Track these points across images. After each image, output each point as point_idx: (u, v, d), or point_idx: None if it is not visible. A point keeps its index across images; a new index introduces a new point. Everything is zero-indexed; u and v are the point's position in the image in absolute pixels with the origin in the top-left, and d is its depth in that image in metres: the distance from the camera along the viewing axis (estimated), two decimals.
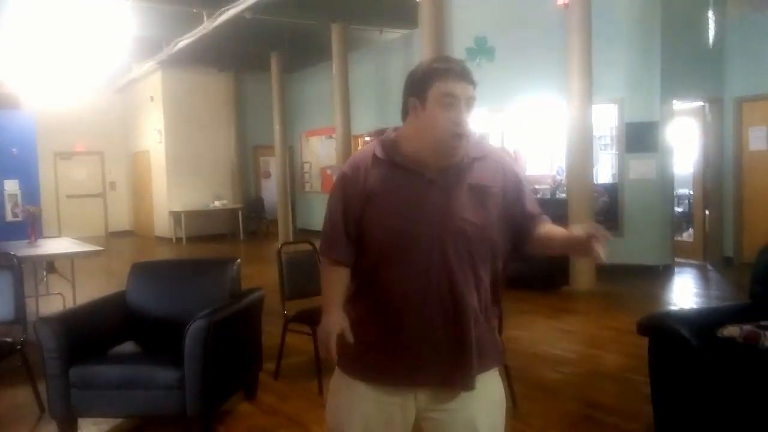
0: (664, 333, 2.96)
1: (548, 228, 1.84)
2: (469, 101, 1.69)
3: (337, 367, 1.83)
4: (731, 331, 2.82)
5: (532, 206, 1.84)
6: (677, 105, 8.26)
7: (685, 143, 9.30)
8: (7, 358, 3.74)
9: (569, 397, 3.92)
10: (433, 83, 1.68)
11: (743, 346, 2.75)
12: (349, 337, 1.68)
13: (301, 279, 4.46)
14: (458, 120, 1.67)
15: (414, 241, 1.69)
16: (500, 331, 3.45)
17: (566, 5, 7.17)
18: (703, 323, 2.96)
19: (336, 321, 1.69)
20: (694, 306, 6.16)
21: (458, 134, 1.67)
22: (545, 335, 5.39)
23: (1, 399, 3.64)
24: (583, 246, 1.64)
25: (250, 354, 3.99)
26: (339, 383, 1.85)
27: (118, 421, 3.71)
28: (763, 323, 2.82)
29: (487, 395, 1.81)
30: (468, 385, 1.74)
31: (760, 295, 3.22)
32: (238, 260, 4.11)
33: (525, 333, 5.36)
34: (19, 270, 4.06)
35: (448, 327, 1.71)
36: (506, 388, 3.61)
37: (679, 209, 10.47)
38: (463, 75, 1.69)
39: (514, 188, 1.80)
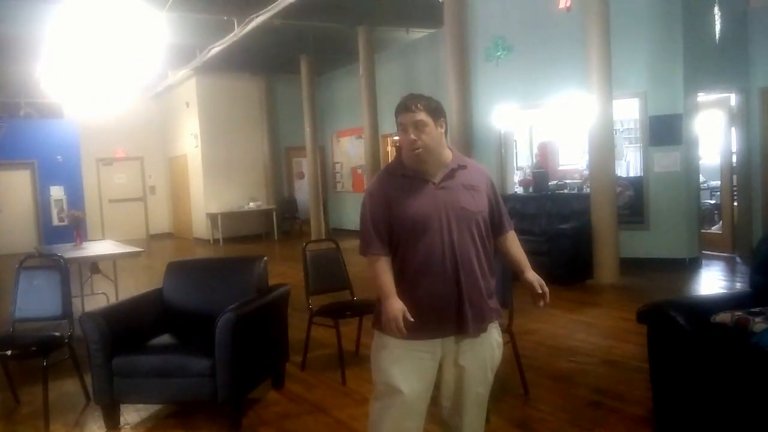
0: (661, 320, 3.11)
1: (510, 242, 2.54)
2: (417, 124, 2.27)
3: (376, 331, 2.41)
4: (723, 317, 2.96)
5: (504, 216, 2.50)
6: (702, 97, 8.26)
7: (711, 135, 9.28)
8: (56, 351, 4.08)
9: (579, 384, 4.08)
10: (396, 117, 2.34)
11: (734, 331, 2.90)
12: (409, 318, 2.23)
13: (324, 275, 4.73)
14: (410, 140, 2.28)
15: (428, 225, 2.29)
16: (511, 323, 3.67)
17: (568, 8, 7.28)
18: (699, 311, 3.10)
19: (398, 306, 2.25)
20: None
21: (413, 149, 2.29)
22: (563, 327, 5.53)
23: (51, 389, 3.94)
24: (529, 291, 2.42)
25: (277, 345, 4.26)
26: (379, 343, 2.39)
27: (156, 406, 4.03)
28: (753, 310, 2.96)
29: (491, 340, 2.43)
30: (478, 332, 2.34)
31: (760, 284, 3.34)
32: (265, 258, 4.39)
33: (543, 326, 5.52)
34: (65, 270, 4.39)
35: (454, 285, 2.28)
36: (518, 376, 3.83)
37: (711, 201, 10.43)
38: (406, 107, 2.30)
39: (493, 195, 2.45)
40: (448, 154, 2.37)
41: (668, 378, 3.12)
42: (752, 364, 2.72)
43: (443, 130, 2.34)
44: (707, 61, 8.06)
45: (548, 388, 4.02)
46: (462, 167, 2.37)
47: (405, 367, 2.31)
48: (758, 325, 2.84)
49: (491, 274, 2.41)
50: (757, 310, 2.96)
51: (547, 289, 2.40)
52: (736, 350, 2.81)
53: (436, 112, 2.32)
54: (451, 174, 2.34)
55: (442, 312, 2.30)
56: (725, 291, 5.48)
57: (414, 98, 2.32)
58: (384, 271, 2.33)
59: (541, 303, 2.40)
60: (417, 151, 2.28)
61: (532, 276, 2.43)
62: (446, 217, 2.29)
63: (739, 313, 2.94)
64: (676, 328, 3.01)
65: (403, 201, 2.31)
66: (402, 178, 2.36)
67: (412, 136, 2.27)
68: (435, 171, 2.34)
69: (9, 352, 3.93)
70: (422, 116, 2.27)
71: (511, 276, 3.75)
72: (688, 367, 2.96)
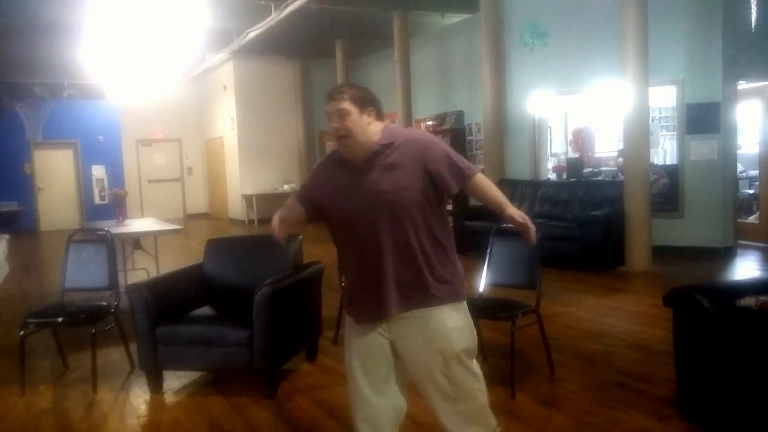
0: (686, 304, 3.17)
1: (478, 186, 2.43)
2: (341, 112, 2.32)
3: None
4: (748, 301, 3.01)
5: (454, 171, 2.37)
6: (742, 85, 8.13)
7: (751, 124, 9.13)
8: (103, 320, 4.31)
9: (605, 366, 4.16)
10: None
11: (758, 314, 2.94)
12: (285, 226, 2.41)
13: None
14: (333, 128, 2.35)
15: (351, 211, 2.36)
16: (538, 304, 3.76)
17: None
18: (724, 295, 3.15)
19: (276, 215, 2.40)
20: None
21: (338, 137, 2.35)
22: (592, 311, 5.59)
23: (98, 356, 4.17)
24: (518, 227, 2.38)
25: (310, 319, 4.43)
26: (347, 325, 2.56)
27: (197, 374, 4.24)
28: None
29: (438, 323, 2.39)
30: (397, 312, 2.37)
31: None
32: (300, 236, 4.54)
33: (572, 309, 5.59)
34: (112, 244, 4.62)
35: (376, 271, 2.34)
36: (545, 356, 3.93)
37: (749, 191, 10.28)
38: (331, 96, 2.37)
39: (433, 160, 2.34)
40: (376, 139, 2.38)
41: (693, 360, 3.19)
42: None
43: (372, 118, 2.37)
44: (747, 49, 7.94)
45: (574, 369, 4.11)
46: (386, 146, 2.35)
47: (356, 348, 2.46)
48: None
49: (441, 253, 2.40)
50: None
51: (530, 222, 2.37)
52: (760, 333, 2.86)
53: (363, 100, 2.36)
54: (372, 158, 2.35)
55: (369, 298, 2.39)
56: (752, 277, 5.46)
57: (339, 88, 2.40)
58: (292, 206, 2.47)
59: (530, 237, 2.37)
60: (340, 138, 2.35)
61: (513, 211, 2.39)
62: (367, 205, 2.32)
63: (765, 297, 2.98)
64: (701, 312, 3.06)
65: (329, 191, 2.42)
66: (336, 167, 2.46)
67: (336, 124, 2.34)
68: (362, 156, 2.37)
69: (60, 320, 4.17)
70: (345, 105, 2.32)
71: (539, 258, 3.86)
72: (712, 350, 3.02)
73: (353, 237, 2.40)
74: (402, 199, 2.31)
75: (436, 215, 2.38)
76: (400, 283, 2.35)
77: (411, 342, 2.43)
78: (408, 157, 2.33)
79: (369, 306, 2.42)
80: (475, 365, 2.56)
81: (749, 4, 7.77)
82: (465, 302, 2.50)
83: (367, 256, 2.38)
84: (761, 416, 2.78)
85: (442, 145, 2.44)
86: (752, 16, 7.73)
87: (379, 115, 2.42)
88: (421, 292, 2.37)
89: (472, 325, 2.53)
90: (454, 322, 2.42)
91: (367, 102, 2.38)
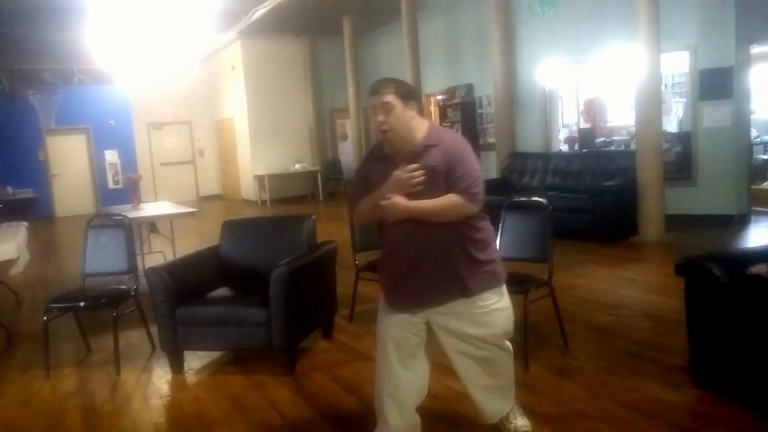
0: (698, 272, 3.19)
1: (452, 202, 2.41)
2: (385, 105, 2.37)
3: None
4: (759, 269, 3.02)
5: (458, 184, 2.39)
6: (755, 49, 8.01)
7: (765, 88, 9.01)
8: (124, 302, 4.41)
9: (618, 335, 4.20)
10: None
11: None
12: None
13: (370, 232, 4.89)
14: (377, 122, 2.40)
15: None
16: (551, 277, 3.79)
17: None
18: (735, 263, 3.16)
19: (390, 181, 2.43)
20: None
21: (381, 131, 2.41)
22: (605, 283, 5.61)
23: (119, 338, 4.27)
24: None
25: (326, 298, 4.50)
26: (381, 303, 2.65)
27: (216, 353, 4.34)
28: None
29: (479, 309, 2.49)
30: (433, 305, 2.48)
31: None
32: (314, 216, 4.60)
33: (585, 281, 5.62)
34: (129, 228, 4.70)
35: (420, 262, 2.44)
36: (558, 327, 3.97)
37: (764, 156, 10.18)
38: (372, 91, 2.41)
39: (451, 167, 2.39)
40: (419, 135, 2.42)
41: (705, 328, 3.22)
42: None
43: (414, 112, 2.41)
44: (760, 13, 7.79)
45: (587, 339, 4.16)
46: (430, 147, 2.40)
47: (389, 323, 2.56)
48: None
49: (480, 244, 2.47)
50: None
51: (383, 208, 2.41)
52: None
53: (406, 94, 2.39)
54: (416, 156, 2.39)
55: (404, 290, 2.50)
56: (764, 245, 5.45)
57: (382, 81, 2.42)
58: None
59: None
60: (385, 133, 2.39)
61: (397, 200, 2.38)
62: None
63: None
64: (713, 280, 3.09)
65: (376, 178, 2.47)
66: (377, 162, 2.51)
67: (380, 118, 2.37)
68: (406, 152, 2.42)
69: (82, 304, 4.27)
70: (389, 98, 2.35)
71: (551, 231, 3.88)
72: (724, 318, 3.05)
73: (394, 231, 2.48)
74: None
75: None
76: (437, 279, 2.43)
77: (450, 322, 2.51)
78: (445, 161, 2.38)
79: (404, 298, 2.51)
80: (508, 343, 2.68)
81: None
82: (504, 286, 2.60)
83: (406, 250, 2.46)
84: None
85: (475, 164, 2.46)
86: None
87: (421, 110, 2.46)
88: (459, 287, 2.45)
89: (511, 307, 2.63)
90: (494, 305, 2.53)
91: (410, 95, 2.42)
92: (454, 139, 2.50)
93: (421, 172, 2.34)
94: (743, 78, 7.85)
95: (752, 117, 8.56)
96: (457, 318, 2.50)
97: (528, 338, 3.75)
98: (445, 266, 2.44)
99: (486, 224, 2.54)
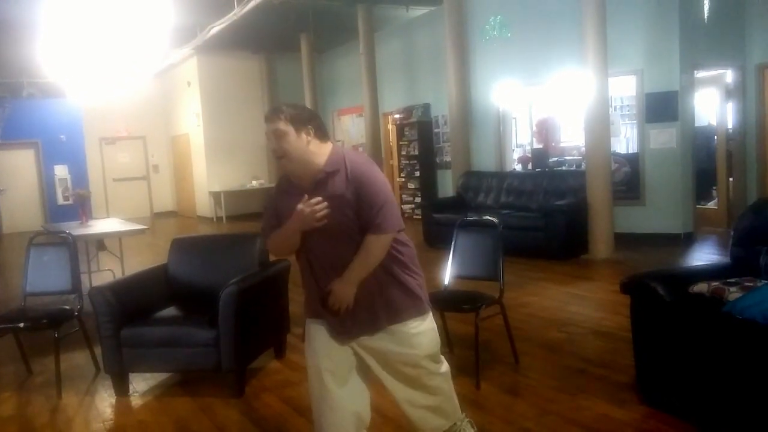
0: (642, 291, 3.26)
1: (373, 245, 2.37)
2: (276, 132, 2.34)
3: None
4: (701, 287, 3.11)
5: (372, 218, 2.34)
6: (699, 74, 8.32)
7: (708, 112, 9.35)
8: (66, 323, 4.26)
9: (568, 353, 4.26)
10: None
11: (710, 300, 3.05)
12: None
13: None
14: (272, 149, 2.39)
15: (302, 235, 2.39)
16: (501, 295, 3.82)
17: None
18: (678, 281, 3.25)
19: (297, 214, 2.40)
20: None
21: (276, 157, 2.39)
22: (556, 300, 5.70)
23: (62, 360, 4.11)
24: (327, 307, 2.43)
25: (278, 317, 4.44)
26: (307, 328, 2.59)
27: (163, 375, 4.22)
28: (730, 280, 3.10)
29: (401, 334, 2.46)
30: (351, 335, 2.46)
31: (738, 256, 3.49)
32: None
33: (537, 298, 5.69)
34: (73, 246, 4.55)
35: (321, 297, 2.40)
36: (509, 346, 4.00)
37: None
38: (267, 117, 2.37)
39: (359, 198, 2.34)
40: (320, 161, 2.37)
41: (649, 346, 3.28)
42: (724, 331, 2.87)
43: (311, 138, 2.35)
44: (703, 39, 8.12)
45: (538, 357, 4.20)
46: (332, 173, 2.36)
47: (315, 349, 2.52)
48: (733, 294, 2.99)
49: (395, 272, 2.43)
50: (733, 280, 3.11)
51: (335, 305, 2.39)
52: (710, 319, 2.96)
53: (299, 120, 2.33)
54: (320, 184, 2.35)
55: (327, 320, 2.48)
56: (706, 263, 5.64)
57: (274, 108, 2.39)
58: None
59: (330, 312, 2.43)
60: (279, 159, 2.38)
61: (338, 288, 2.38)
62: (315, 232, 2.34)
63: (716, 284, 3.08)
64: (656, 298, 3.16)
65: (285, 206, 2.42)
66: (284, 194, 2.48)
67: (273, 146, 2.37)
68: (308, 179, 2.38)
69: (21, 325, 4.11)
70: (280, 125, 2.32)
71: (502, 250, 3.93)
72: (667, 335, 3.12)
73: (306, 260, 2.47)
74: (345, 229, 2.36)
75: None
76: (354, 311, 2.40)
77: (376, 345, 2.49)
78: (350, 188, 2.33)
79: (341, 324, 2.46)
80: (439, 366, 2.62)
81: None
82: (428, 310, 2.55)
83: (321, 281, 2.44)
84: (714, 400, 2.88)
85: (383, 186, 2.39)
86: (706, 6, 7.90)
87: (320, 134, 2.39)
88: (374, 317, 2.43)
89: (435, 330, 2.59)
90: (417, 330, 2.49)
91: (304, 121, 2.36)
92: (356, 163, 2.40)
93: (323, 204, 2.29)
94: (688, 102, 8.14)
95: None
96: (380, 339, 2.47)
97: (479, 356, 3.78)
98: (361, 295, 2.40)
99: (404, 244, 2.48)
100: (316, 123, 2.39)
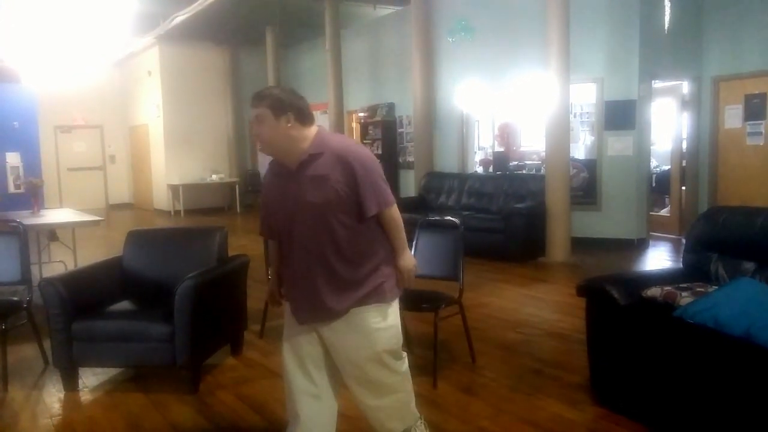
0: (597, 294, 3.33)
1: (391, 216, 2.48)
2: (257, 117, 2.39)
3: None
4: (653, 292, 3.19)
5: (366, 199, 2.39)
6: (657, 84, 8.54)
7: (664, 121, 9.61)
8: (15, 315, 4.12)
9: (524, 353, 4.32)
10: None
11: (662, 304, 3.13)
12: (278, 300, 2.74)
13: None
14: (253, 133, 2.52)
15: (282, 215, 2.48)
16: (461, 295, 3.85)
17: None
18: (633, 286, 3.33)
19: (270, 288, 2.77)
20: None
21: (256, 142, 2.53)
22: (514, 301, 5.78)
23: (9, 353, 3.98)
24: (401, 282, 2.58)
25: (235, 313, 4.38)
26: (286, 317, 2.67)
27: (115, 370, 4.12)
28: (682, 285, 3.19)
29: (362, 325, 2.47)
30: (325, 318, 2.48)
31: (690, 261, 3.59)
32: (225, 228, 4.48)
33: (495, 299, 5.76)
34: (24, 236, 4.41)
35: (306, 275, 2.45)
36: (467, 346, 4.03)
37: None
38: (251, 102, 2.42)
39: (353, 179, 2.36)
40: (303, 145, 2.39)
41: (603, 348, 3.35)
42: (675, 335, 2.95)
43: (291, 123, 2.36)
44: (662, 50, 8.33)
45: (494, 357, 4.25)
46: (316, 155, 2.38)
47: (289, 332, 2.63)
48: (685, 299, 3.07)
49: (366, 259, 2.45)
50: (685, 285, 3.20)
51: (412, 281, 2.58)
52: (662, 322, 3.03)
53: (279, 105, 2.35)
54: (302, 166, 2.39)
55: (297, 301, 2.55)
56: (660, 268, 5.80)
57: (258, 94, 2.41)
58: (271, 251, 2.70)
59: (404, 284, 2.58)
60: (258, 144, 2.47)
61: (404, 263, 2.53)
62: (293, 212, 2.42)
63: (669, 288, 3.16)
64: (611, 301, 3.23)
65: (269, 193, 2.55)
66: (274, 176, 2.54)
67: (255, 130, 2.43)
68: (292, 162, 2.41)
69: None
70: (261, 110, 2.37)
71: (463, 251, 3.96)
72: (620, 338, 3.19)
73: (285, 243, 2.51)
74: (326, 211, 2.37)
75: (360, 223, 2.41)
76: (325, 291, 2.43)
77: (336, 337, 2.50)
78: (337, 168, 2.35)
79: (301, 311, 2.54)
80: (399, 364, 2.62)
81: (664, 7, 8.15)
82: (393, 303, 2.54)
83: (295, 263, 2.48)
84: (665, 401, 2.96)
85: (373, 163, 2.44)
86: (666, 18, 8.11)
87: (302, 118, 2.40)
88: (344, 298, 2.45)
89: (398, 326, 2.57)
90: (377, 323, 2.48)
91: (285, 106, 2.37)
92: (341, 144, 2.45)
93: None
94: (645, 111, 8.34)
95: (652, 148, 9.09)
96: (345, 329, 2.48)
97: (438, 356, 3.79)
98: (332, 279, 2.43)
99: (379, 234, 2.48)
100: (296, 107, 2.39)
